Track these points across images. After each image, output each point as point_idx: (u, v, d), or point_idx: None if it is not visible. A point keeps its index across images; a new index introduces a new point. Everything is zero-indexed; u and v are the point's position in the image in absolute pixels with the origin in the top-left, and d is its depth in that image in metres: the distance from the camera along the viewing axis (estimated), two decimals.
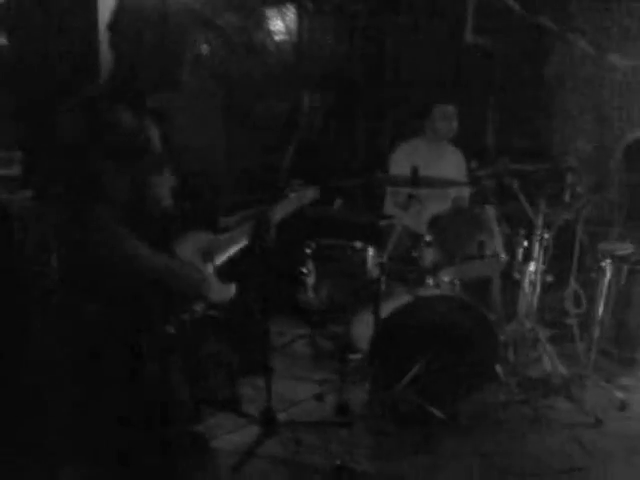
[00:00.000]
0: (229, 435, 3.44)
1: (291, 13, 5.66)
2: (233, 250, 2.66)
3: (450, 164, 4.88)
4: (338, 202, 4.41)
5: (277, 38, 5.63)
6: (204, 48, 2.46)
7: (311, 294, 4.00)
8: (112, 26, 2.37)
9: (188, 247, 2.38)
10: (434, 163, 4.67)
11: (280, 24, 5.61)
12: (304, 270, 4.03)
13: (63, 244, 2.27)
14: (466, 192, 4.82)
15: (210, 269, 2.46)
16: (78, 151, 2.15)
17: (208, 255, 2.46)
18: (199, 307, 2.39)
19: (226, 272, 2.60)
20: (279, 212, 2.96)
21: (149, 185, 2.30)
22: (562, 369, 4.00)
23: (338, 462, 3.18)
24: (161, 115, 2.50)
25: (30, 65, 4.06)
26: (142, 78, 2.36)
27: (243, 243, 2.72)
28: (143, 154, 2.29)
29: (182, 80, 2.40)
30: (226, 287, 2.47)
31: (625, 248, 4.33)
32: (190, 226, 2.47)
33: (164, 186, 2.38)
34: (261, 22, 5.61)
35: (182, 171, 2.61)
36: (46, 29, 4.15)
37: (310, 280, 4.01)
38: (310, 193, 3.19)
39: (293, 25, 5.66)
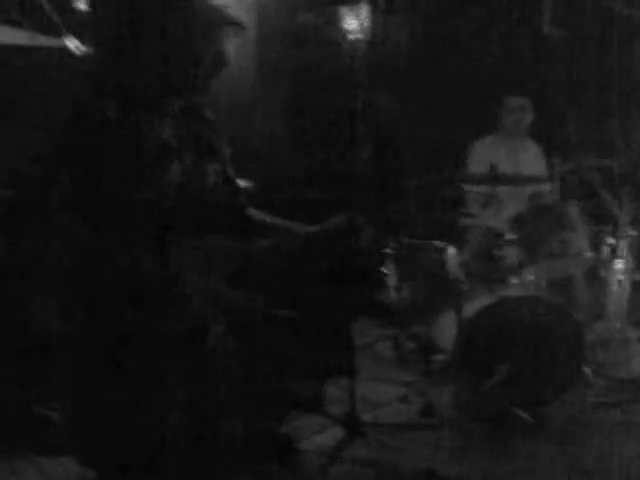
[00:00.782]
0: (314, 436, 3.43)
1: (364, 12, 5.64)
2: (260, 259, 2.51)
3: (528, 159, 4.80)
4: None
5: (350, 37, 5.62)
6: (227, 49, 2.37)
7: (392, 294, 3.98)
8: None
9: (189, 251, 2.28)
10: (512, 159, 4.61)
11: (354, 22, 5.59)
12: (385, 270, 4.01)
13: None
14: (546, 188, 4.73)
15: (218, 277, 2.34)
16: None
17: (214, 262, 2.34)
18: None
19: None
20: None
21: (146, 182, 2.24)
22: None
23: (425, 465, 3.15)
24: (194, 113, 2.43)
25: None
26: (159, 76, 2.32)
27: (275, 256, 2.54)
28: (135, 151, 2.23)
29: (202, 82, 2.36)
30: (236, 295, 2.39)
31: None
32: (206, 229, 2.37)
33: (166, 184, 2.29)
34: (334, 20, 5.61)
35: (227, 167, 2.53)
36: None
37: (391, 280, 3.99)
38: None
39: (366, 23, 5.63)
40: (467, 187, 4.66)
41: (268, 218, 2.61)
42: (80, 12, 3.88)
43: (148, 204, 2.25)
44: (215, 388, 2.53)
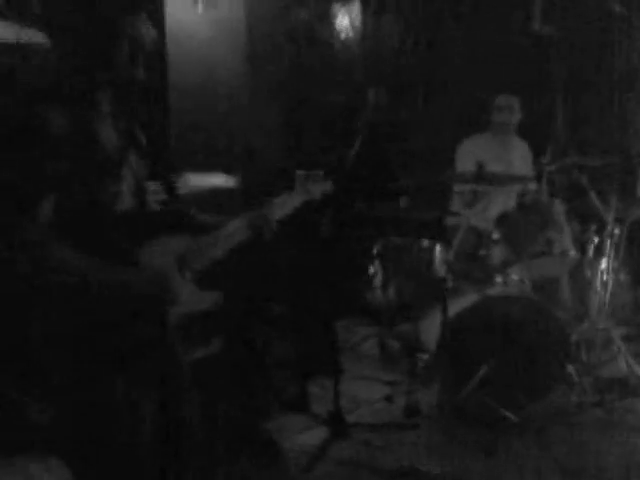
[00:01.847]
0: (297, 435, 3.44)
1: (356, 9, 5.65)
2: (220, 253, 2.38)
3: (516, 158, 4.82)
4: (405, 200, 4.39)
5: (342, 34, 5.63)
6: (145, 35, 2.19)
7: (378, 293, 3.99)
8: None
9: (156, 254, 2.17)
10: (500, 157, 4.62)
11: (345, 20, 5.60)
12: (371, 269, 4.02)
13: None
14: (533, 186, 4.74)
15: (186, 276, 2.24)
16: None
17: (183, 261, 2.23)
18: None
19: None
20: (280, 207, 2.65)
21: (98, 188, 2.09)
22: (639, 369, 3.88)
23: (407, 464, 3.16)
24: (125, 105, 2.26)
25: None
26: (82, 70, 2.15)
27: (232, 243, 2.43)
28: (80, 155, 2.05)
29: (125, 73, 2.17)
30: (205, 295, 2.28)
31: None
32: (162, 229, 2.26)
33: (120, 187, 2.17)
34: (326, 18, 5.61)
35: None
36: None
37: (377, 279, 4.00)
38: (320, 187, 2.86)
39: (358, 22, 5.64)
40: (455, 186, 4.67)
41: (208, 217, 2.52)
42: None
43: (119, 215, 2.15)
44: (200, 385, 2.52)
